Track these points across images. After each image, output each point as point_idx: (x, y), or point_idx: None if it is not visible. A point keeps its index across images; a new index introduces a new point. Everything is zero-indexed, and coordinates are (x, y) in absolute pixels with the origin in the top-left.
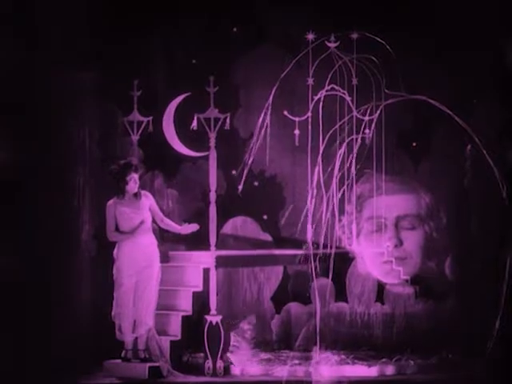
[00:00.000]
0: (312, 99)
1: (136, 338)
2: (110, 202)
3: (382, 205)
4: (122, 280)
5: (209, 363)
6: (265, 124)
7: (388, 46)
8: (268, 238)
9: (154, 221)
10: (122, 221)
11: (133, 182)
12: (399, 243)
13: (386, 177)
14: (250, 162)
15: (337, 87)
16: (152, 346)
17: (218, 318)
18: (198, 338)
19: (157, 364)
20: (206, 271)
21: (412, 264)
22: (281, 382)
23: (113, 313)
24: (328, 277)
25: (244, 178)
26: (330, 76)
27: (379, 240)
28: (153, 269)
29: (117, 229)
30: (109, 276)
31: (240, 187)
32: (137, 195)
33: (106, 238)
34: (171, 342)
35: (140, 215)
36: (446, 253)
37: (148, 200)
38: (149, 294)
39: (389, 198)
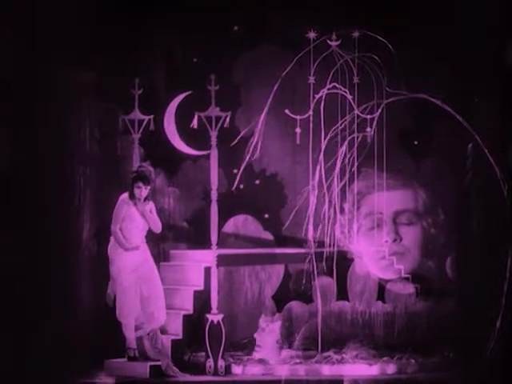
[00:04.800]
0: (313, 98)
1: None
2: (124, 196)
3: (380, 200)
4: (122, 277)
5: (210, 362)
6: (266, 122)
7: (389, 45)
8: (269, 236)
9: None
10: (128, 220)
11: (139, 190)
12: (398, 238)
13: (385, 174)
14: (252, 160)
15: (338, 86)
16: (153, 344)
17: (220, 317)
18: (199, 337)
19: (158, 363)
20: (207, 270)
21: (410, 259)
22: (280, 381)
23: (118, 312)
24: (329, 275)
25: (242, 176)
26: (331, 74)
27: (378, 236)
28: (151, 262)
29: None
30: (109, 275)
31: (241, 186)
32: (145, 201)
33: (106, 236)
34: (172, 340)
35: (143, 221)
36: (445, 251)
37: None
38: (156, 288)
39: (386, 194)
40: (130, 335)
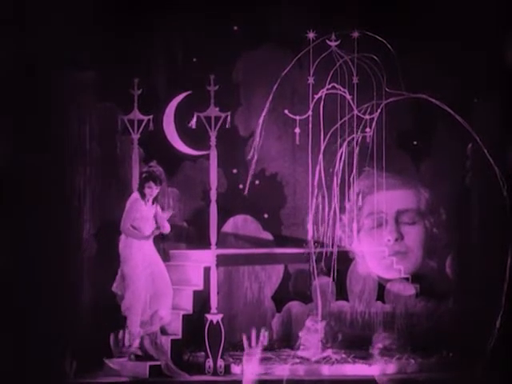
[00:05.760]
0: (313, 98)
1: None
2: (135, 196)
3: (382, 200)
4: (135, 275)
5: (209, 362)
6: (265, 123)
7: (389, 45)
8: (269, 236)
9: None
10: (139, 220)
11: (149, 190)
12: (400, 237)
13: (386, 173)
14: (253, 161)
15: (337, 86)
16: (153, 343)
17: (219, 317)
18: (198, 337)
19: (158, 363)
20: (207, 270)
21: (413, 259)
22: (281, 381)
23: (125, 309)
24: (329, 275)
25: (248, 177)
26: (330, 75)
27: (380, 236)
28: (160, 261)
29: None
30: (110, 275)
31: (246, 188)
32: (153, 202)
33: (106, 236)
34: (172, 340)
35: (152, 219)
36: (446, 251)
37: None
38: (164, 288)
39: (389, 193)
40: (135, 332)
